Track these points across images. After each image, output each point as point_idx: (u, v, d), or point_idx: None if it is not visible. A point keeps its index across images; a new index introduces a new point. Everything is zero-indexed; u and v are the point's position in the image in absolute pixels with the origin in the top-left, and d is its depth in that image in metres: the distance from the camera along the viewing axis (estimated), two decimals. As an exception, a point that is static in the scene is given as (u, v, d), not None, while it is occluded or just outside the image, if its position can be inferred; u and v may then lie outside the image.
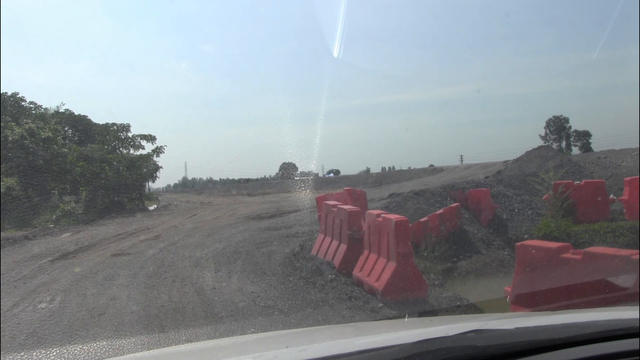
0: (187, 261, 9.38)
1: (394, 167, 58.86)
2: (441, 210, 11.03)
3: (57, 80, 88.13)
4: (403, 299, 6.44)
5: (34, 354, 4.38)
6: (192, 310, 6.21)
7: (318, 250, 9.02)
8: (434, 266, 8.94)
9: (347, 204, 10.10)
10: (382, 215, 7.19)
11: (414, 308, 6.33)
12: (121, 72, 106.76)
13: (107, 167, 24.35)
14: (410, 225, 7.46)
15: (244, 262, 9.01)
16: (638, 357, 1.47)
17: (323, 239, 9.10)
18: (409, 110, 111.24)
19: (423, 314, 6.19)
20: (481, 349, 1.47)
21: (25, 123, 24.25)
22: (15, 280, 8.38)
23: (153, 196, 40.84)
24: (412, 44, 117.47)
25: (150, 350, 2.89)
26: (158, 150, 29.34)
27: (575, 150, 53.59)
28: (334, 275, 7.61)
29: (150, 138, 29.58)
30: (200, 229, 14.62)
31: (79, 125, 32.82)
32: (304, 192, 20.37)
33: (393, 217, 6.86)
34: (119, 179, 24.72)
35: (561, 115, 59.21)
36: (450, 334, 1.57)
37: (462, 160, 51.30)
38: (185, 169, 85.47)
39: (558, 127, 59.15)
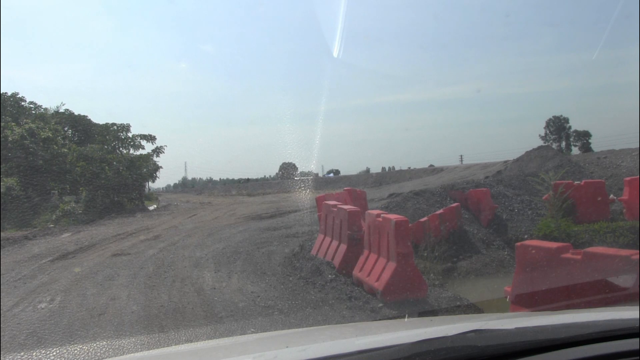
0: (187, 261, 9.38)
1: (393, 167, 58.82)
2: (441, 211, 11.04)
3: (57, 80, 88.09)
4: (403, 299, 6.44)
5: (34, 354, 4.38)
6: (192, 310, 6.21)
7: (318, 251, 9.02)
8: (434, 266, 8.94)
9: (347, 204, 10.10)
10: (382, 215, 7.19)
11: (414, 308, 6.33)
12: (121, 72, 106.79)
13: (107, 167, 24.34)
14: (410, 225, 7.46)
15: (243, 262, 9.01)
16: (638, 357, 1.47)
17: (323, 239, 9.10)
18: (409, 110, 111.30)
19: (423, 314, 6.20)
20: (481, 349, 1.47)
21: (25, 123, 24.25)
22: (15, 280, 8.38)
23: (153, 196, 40.81)
24: (412, 44, 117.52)
25: (150, 350, 2.89)
26: (158, 150, 29.37)
27: (575, 151, 53.63)
28: (333, 275, 7.61)
29: (150, 138, 29.62)
30: (200, 229, 14.62)
31: (79, 125, 32.79)
32: (303, 192, 20.35)
33: (393, 217, 6.86)
34: (119, 179, 24.72)
35: (561, 115, 59.21)
36: (450, 334, 1.57)
37: (462, 160, 51.31)
38: (185, 169, 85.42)
39: (558, 127, 59.12)
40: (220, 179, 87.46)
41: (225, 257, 9.59)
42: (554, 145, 53.69)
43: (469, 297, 7.15)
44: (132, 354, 2.94)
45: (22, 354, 4.64)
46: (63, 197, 24.44)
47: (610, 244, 9.55)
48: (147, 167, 28.66)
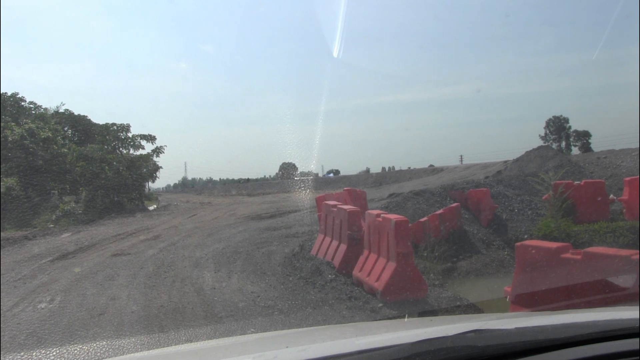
0: (187, 261, 9.38)
1: (393, 167, 58.84)
2: (441, 210, 11.03)
3: (57, 80, 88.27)
4: (403, 299, 6.44)
5: (34, 354, 4.37)
6: (192, 310, 6.20)
7: (318, 251, 9.02)
8: (434, 266, 8.94)
9: (347, 204, 10.10)
10: (382, 215, 7.19)
11: (414, 308, 6.33)
12: (121, 72, 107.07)
13: (107, 167, 24.33)
14: (410, 225, 7.46)
15: (243, 262, 9.01)
16: (638, 357, 1.47)
17: (323, 239, 9.09)
18: (409, 110, 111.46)
19: (423, 314, 6.20)
20: (481, 349, 1.47)
21: (25, 123, 24.25)
22: (15, 280, 8.38)
23: (153, 196, 40.82)
24: (412, 44, 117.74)
25: (150, 350, 2.89)
26: (158, 150, 29.33)
27: (575, 151, 53.67)
28: (333, 275, 7.61)
29: (150, 138, 29.58)
30: (200, 229, 14.62)
31: (79, 125, 32.81)
32: (303, 192, 20.35)
33: (393, 217, 6.86)
34: (119, 179, 24.71)
35: (561, 115, 59.26)
36: (450, 334, 1.57)
37: (462, 160, 51.35)
38: (185, 169, 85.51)
39: (558, 127, 59.13)
40: (220, 179, 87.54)
41: (225, 257, 9.59)
42: (554, 145, 53.74)
43: (469, 297, 7.15)
44: (132, 354, 2.94)
45: (22, 354, 4.64)
46: (63, 197, 24.45)
47: (610, 244, 9.55)
48: (147, 167, 28.65)
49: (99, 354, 4.14)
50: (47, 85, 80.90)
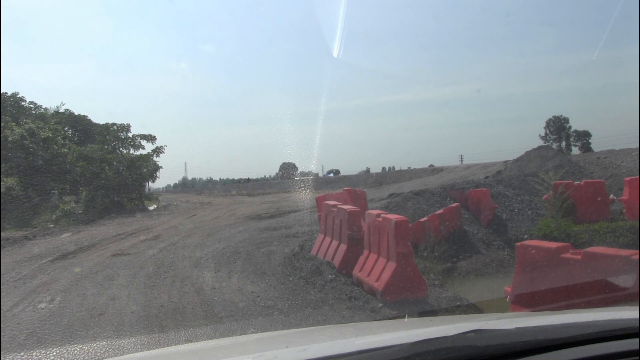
0: (187, 261, 9.38)
1: (394, 167, 58.87)
2: (441, 210, 11.03)
3: (57, 80, 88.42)
4: (403, 299, 6.44)
5: (34, 354, 4.37)
6: (192, 310, 6.20)
7: (318, 251, 9.02)
8: (434, 266, 8.94)
9: (347, 204, 10.09)
10: (382, 215, 7.19)
11: (413, 308, 6.33)
12: (121, 72, 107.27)
13: (107, 167, 24.33)
14: (410, 225, 7.46)
15: (243, 262, 9.00)
16: (638, 357, 1.47)
17: (323, 239, 9.09)
18: (409, 110, 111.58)
19: (423, 314, 6.20)
20: (481, 349, 1.47)
21: (25, 123, 24.27)
22: (15, 280, 8.38)
23: (153, 196, 40.83)
24: (412, 44, 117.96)
25: (150, 350, 2.88)
26: (158, 150, 29.33)
27: (575, 151, 53.69)
28: (333, 276, 7.61)
29: (150, 138, 29.59)
30: (200, 229, 14.62)
31: (79, 125, 32.82)
32: (303, 192, 20.36)
33: (393, 217, 6.86)
34: (119, 179, 24.70)
35: (561, 115, 59.27)
36: (450, 334, 1.57)
37: (462, 160, 51.36)
38: (185, 169, 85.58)
39: (558, 127, 59.14)
40: (220, 179, 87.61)
41: (225, 257, 9.59)
42: (554, 145, 53.75)
43: (469, 297, 7.15)
44: (132, 354, 2.94)
45: (22, 354, 4.64)
46: (63, 197, 24.45)
47: (610, 244, 9.55)
48: (147, 167, 28.64)
49: (99, 354, 4.14)
50: (47, 85, 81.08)
